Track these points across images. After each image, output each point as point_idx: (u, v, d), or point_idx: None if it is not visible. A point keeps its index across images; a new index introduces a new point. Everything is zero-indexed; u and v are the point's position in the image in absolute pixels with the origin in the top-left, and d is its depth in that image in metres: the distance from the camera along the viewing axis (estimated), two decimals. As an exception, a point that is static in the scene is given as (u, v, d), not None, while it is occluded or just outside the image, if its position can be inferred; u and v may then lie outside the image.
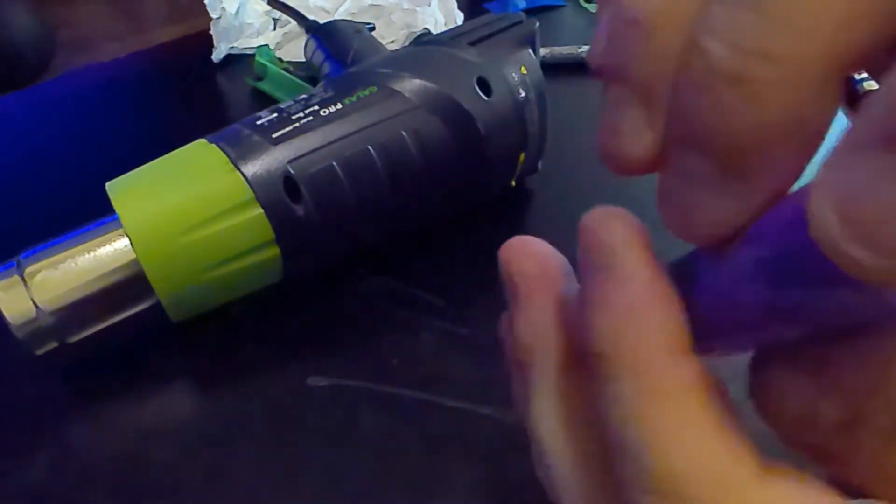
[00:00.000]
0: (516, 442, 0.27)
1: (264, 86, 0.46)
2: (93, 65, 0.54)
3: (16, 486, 0.26)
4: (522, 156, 0.35)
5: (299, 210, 0.28)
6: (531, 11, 0.66)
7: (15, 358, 0.27)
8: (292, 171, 0.28)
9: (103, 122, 0.48)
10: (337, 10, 0.50)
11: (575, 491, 0.15)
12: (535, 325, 0.17)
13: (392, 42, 0.52)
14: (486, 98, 0.31)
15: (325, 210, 0.28)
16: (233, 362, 0.30)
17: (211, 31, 0.50)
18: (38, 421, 0.28)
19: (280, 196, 0.27)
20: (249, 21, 0.50)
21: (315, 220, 0.28)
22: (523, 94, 0.33)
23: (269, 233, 0.28)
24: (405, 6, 0.54)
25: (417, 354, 0.30)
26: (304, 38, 0.46)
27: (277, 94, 0.45)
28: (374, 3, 0.52)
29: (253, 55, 0.50)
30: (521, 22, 0.35)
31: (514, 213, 0.39)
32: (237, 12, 0.49)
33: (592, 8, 0.67)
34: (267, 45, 0.49)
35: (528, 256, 0.19)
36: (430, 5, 0.54)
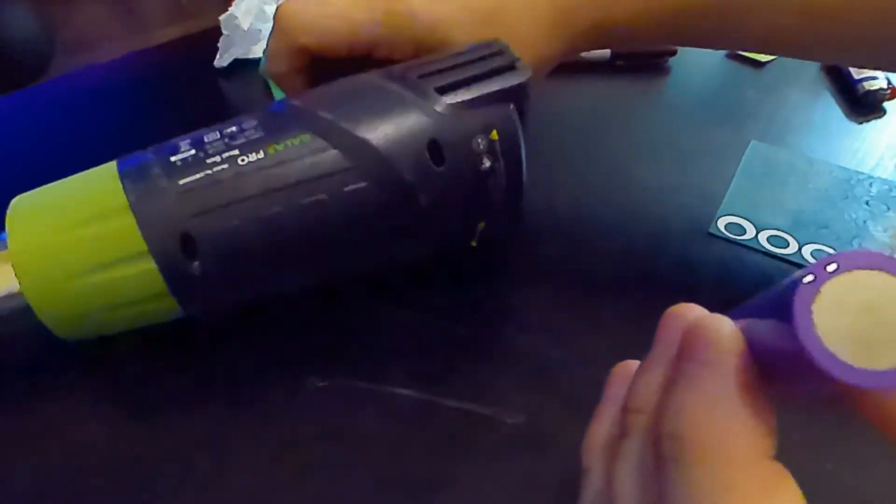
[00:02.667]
0: (516, 442, 0.27)
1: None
2: (93, 65, 0.54)
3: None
4: (482, 224, 0.30)
5: (195, 269, 0.25)
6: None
7: None
8: (192, 229, 0.25)
9: (103, 123, 0.48)
10: None
11: None
12: (651, 386, 0.18)
13: None
14: (435, 168, 0.27)
15: (226, 269, 0.26)
16: (233, 362, 0.30)
17: (219, 43, 0.50)
18: None
19: (175, 252, 0.25)
20: (259, 27, 0.50)
21: (214, 279, 0.26)
22: (488, 165, 0.27)
23: (163, 286, 0.26)
24: None
25: (417, 354, 0.30)
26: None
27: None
28: None
29: (256, 60, 0.50)
30: (512, 66, 0.29)
31: (514, 214, 0.39)
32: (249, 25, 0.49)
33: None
34: None
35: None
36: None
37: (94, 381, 0.29)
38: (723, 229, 0.38)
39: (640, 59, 0.56)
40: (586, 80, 0.54)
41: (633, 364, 0.19)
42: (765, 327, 0.14)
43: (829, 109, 0.50)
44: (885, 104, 0.50)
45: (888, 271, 0.13)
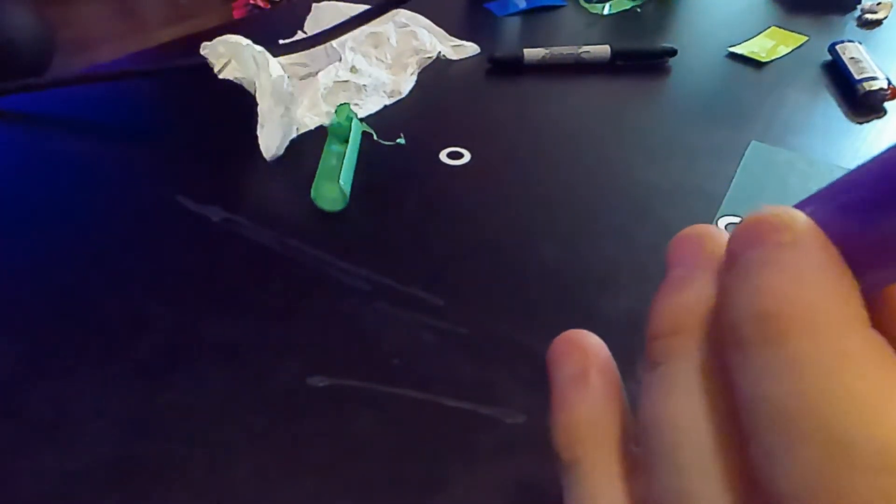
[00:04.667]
0: (516, 442, 0.27)
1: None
2: (93, 66, 0.54)
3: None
4: None
5: None
6: (531, 11, 0.66)
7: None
8: None
9: (103, 123, 0.48)
10: (343, 43, 0.51)
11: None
12: (685, 305, 0.15)
13: (407, 66, 0.53)
14: None
15: None
16: (232, 362, 0.30)
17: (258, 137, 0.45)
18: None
19: None
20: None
21: None
22: None
23: None
24: (398, 28, 0.55)
25: (417, 354, 0.30)
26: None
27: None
28: (372, 31, 0.53)
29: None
30: None
31: (514, 213, 0.39)
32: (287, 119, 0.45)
33: (592, 8, 0.67)
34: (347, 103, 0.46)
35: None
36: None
37: (95, 381, 0.29)
38: (723, 229, 0.38)
39: (640, 59, 0.56)
40: (586, 80, 0.54)
41: (577, 332, 0.17)
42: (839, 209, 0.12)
43: (829, 109, 0.50)
44: (885, 104, 0.50)
45: None
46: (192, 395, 0.29)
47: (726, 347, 0.12)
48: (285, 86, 0.42)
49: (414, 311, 0.32)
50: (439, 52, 0.56)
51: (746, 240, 0.13)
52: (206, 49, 0.46)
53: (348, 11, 0.57)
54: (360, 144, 0.43)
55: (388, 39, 0.54)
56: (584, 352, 0.17)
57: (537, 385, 0.29)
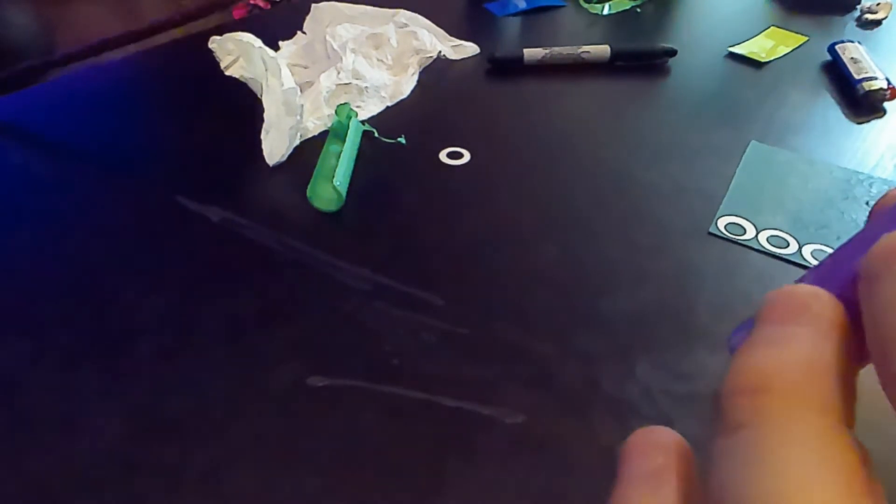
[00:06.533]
0: (516, 442, 0.27)
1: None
2: (92, 65, 0.54)
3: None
4: None
5: None
6: (531, 12, 0.66)
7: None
8: None
9: (103, 123, 0.48)
10: (344, 45, 0.51)
11: None
12: (779, 360, 0.13)
13: (408, 67, 0.53)
14: None
15: None
16: (233, 362, 0.30)
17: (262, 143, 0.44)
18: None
19: None
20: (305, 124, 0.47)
21: None
22: None
23: None
24: (398, 28, 0.55)
25: (417, 354, 0.30)
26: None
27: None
28: (373, 32, 0.53)
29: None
30: None
31: (514, 213, 0.39)
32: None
33: (592, 8, 0.67)
34: (348, 103, 0.47)
35: None
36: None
37: (95, 380, 0.29)
38: (723, 229, 0.38)
39: (640, 60, 0.56)
40: (586, 80, 0.54)
41: (659, 429, 0.15)
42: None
43: (829, 109, 0.50)
44: (885, 104, 0.50)
45: None
46: (192, 394, 0.29)
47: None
48: (298, 98, 0.41)
49: (414, 311, 0.32)
50: (439, 52, 0.56)
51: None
52: (215, 43, 0.46)
53: (348, 11, 0.57)
54: (361, 145, 0.43)
55: (389, 40, 0.54)
56: (667, 449, 0.14)
57: (537, 385, 0.29)
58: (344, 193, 0.39)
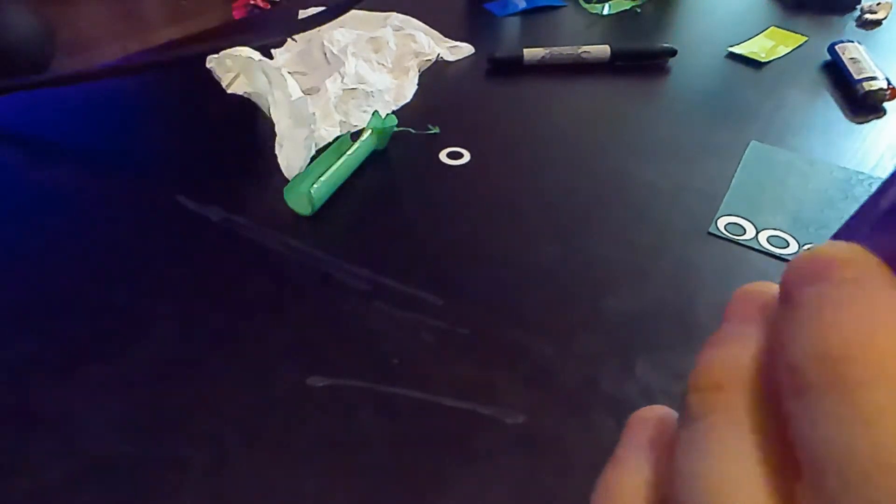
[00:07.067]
0: (516, 442, 0.27)
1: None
2: (93, 66, 0.54)
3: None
4: None
5: None
6: (531, 12, 0.66)
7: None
8: None
9: (103, 123, 0.48)
10: (345, 49, 0.51)
11: None
12: (731, 359, 0.14)
13: (409, 70, 0.53)
14: None
15: None
16: (232, 362, 0.30)
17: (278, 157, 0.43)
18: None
19: None
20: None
21: None
22: None
23: None
24: (395, 31, 0.55)
25: (417, 354, 0.30)
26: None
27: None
28: (372, 36, 0.53)
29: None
30: None
31: (514, 213, 0.39)
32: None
33: (592, 8, 0.67)
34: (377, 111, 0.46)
35: None
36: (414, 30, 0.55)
37: (96, 381, 0.29)
38: (723, 229, 0.38)
39: (640, 60, 0.56)
40: (586, 80, 0.54)
41: (659, 408, 0.16)
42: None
43: (829, 109, 0.50)
44: (885, 104, 0.50)
45: None
46: (193, 394, 0.29)
47: (784, 394, 0.12)
48: (309, 107, 0.41)
49: (414, 311, 0.32)
50: (438, 54, 0.56)
51: (805, 276, 0.12)
52: (213, 62, 0.46)
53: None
54: (374, 150, 0.44)
55: (388, 43, 0.54)
56: (663, 423, 0.15)
57: (537, 385, 0.29)
58: (318, 200, 0.38)
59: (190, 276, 0.34)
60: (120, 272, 0.35)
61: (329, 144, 0.43)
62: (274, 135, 0.43)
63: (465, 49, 0.58)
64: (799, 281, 0.12)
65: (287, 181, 0.39)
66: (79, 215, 0.39)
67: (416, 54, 0.55)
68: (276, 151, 0.42)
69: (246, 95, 0.46)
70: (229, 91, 0.46)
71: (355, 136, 0.43)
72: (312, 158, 0.41)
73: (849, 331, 0.11)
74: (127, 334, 0.31)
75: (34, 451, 0.27)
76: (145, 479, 0.26)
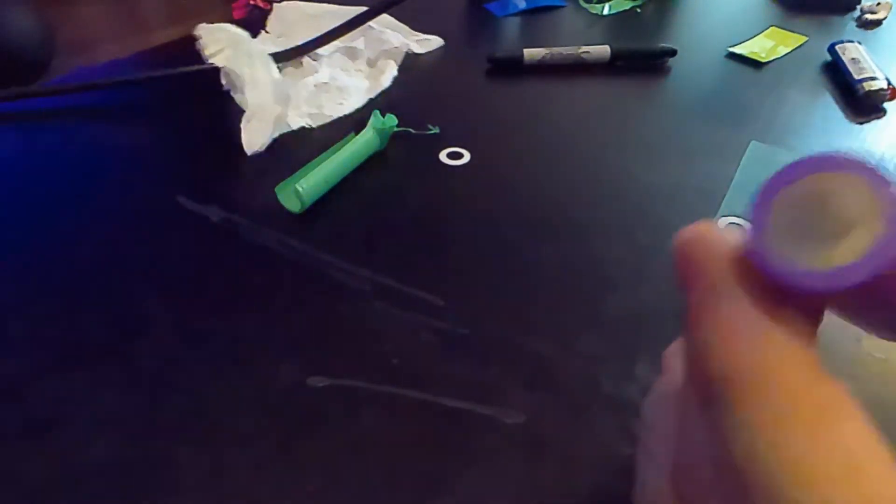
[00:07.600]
0: (516, 442, 0.27)
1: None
2: (93, 66, 0.54)
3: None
4: None
5: None
6: (531, 12, 0.66)
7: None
8: None
9: (102, 123, 0.48)
10: (330, 54, 0.51)
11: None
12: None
13: (384, 70, 0.53)
14: None
15: None
16: (233, 362, 0.30)
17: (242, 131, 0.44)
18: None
19: None
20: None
21: None
22: None
23: None
24: (364, 34, 0.55)
25: (417, 354, 0.30)
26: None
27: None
28: (344, 46, 0.54)
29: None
30: None
31: (514, 213, 0.39)
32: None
33: (592, 8, 0.67)
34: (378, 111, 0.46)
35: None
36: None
37: (95, 381, 0.29)
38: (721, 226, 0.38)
39: (640, 60, 0.56)
40: (586, 80, 0.54)
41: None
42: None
43: (829, 109, 0.50)
44: (885, 104, 0.50)
45: (845, 171, 0.12)
46: (192, 395, 0.29)
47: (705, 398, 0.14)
48: (288, 90, 0.42)
49: (414, 311, 0.32)
50: (408, 48, 0.56)
51: (683, 276, 0.14)
52: (204, 31, 0.46)
53: (311, 11, 0.57)
54: (377, 150, 0.44)
55: (361, 49, 0.54)
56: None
57: (537, 385, 0.29)
58: (307, 196, 0.38)
59: (189, 276, 0.34)
60: (119, 272, 0.35)
61: (329, 145, 0.43)
62: (243, 113, 0.43)
63: (435, 41, 0.58)
64: (682, 277, 0.14)
65: (283, 179, 0.39)
66: (78, 215, 0.39)
67: (390, 53, 0.55)
68: (242, 126, 0.42)
69: (224, 70, 0.46)
70: (210, 60, 0.46)
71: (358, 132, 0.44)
72: (312, 158, 0.41)
73: (726, 356, 0.13)
74: (126, 334, 0.31)
75: (32, 451, 0.27)
76: (144, 480, 0.26)
